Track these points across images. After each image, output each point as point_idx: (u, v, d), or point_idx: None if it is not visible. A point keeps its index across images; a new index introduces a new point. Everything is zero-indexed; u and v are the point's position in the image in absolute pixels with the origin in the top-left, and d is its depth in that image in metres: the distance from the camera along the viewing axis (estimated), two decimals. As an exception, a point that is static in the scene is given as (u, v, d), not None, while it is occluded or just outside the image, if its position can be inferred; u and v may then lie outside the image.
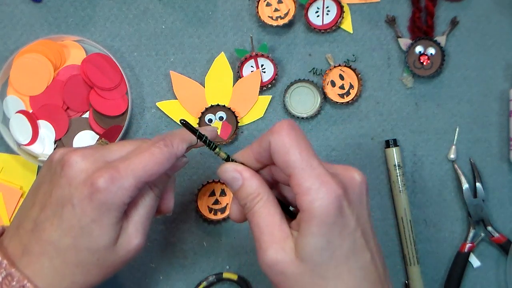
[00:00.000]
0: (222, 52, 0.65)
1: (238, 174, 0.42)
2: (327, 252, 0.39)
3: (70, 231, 0.42)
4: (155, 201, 0.47)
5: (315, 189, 0.38)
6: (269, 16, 0.64)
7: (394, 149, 0.64)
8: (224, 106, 0.64)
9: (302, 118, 0.64)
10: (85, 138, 0.63)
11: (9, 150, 0.63)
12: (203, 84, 0.65)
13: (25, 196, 0.46)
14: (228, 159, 0.45)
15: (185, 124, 0.44)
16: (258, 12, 0.64)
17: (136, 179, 0.43)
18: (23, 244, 0.43)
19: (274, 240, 0.40)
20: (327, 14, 0.65)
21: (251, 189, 0.42)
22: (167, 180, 0.49)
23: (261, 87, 0.64)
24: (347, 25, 0.65)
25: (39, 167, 0.64)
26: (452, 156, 0.65)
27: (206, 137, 0.45)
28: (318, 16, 0.65)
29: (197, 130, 0.45)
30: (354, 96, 0.64)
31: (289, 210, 0.46)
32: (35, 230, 0.43)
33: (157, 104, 0.65)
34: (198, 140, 0.45)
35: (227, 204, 0.63)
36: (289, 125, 0.41)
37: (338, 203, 0.38)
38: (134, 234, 0.45)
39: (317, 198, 0.38)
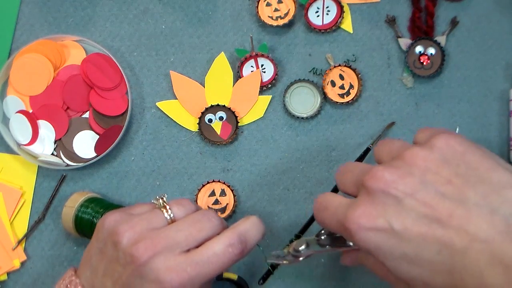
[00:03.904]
0: (222, 52, 0.65)
1: None
2: None
3: None
4: (210, 284, 0.49)
5: None
6: (269, 16, 0.64)
7: (394, 149, 0.63)
8: (224, 106, 0.64)
9: (302, 118, 0.64)
10: (85, 138, 0.63)
11: (9, 150, 0.63)
12: (203, 84, 0.65)
13: (90, 250, 0.49)
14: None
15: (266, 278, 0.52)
16: (258, 12, 0.64)
17: (201, 284, 0.45)
18: None
19: None
20: (327, 14, 0.65)
21: None
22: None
23: (261, 87, 0.64)
24: (347, 25, 0.65)
25: (39, 167, 0.64)
26: (452, 156, 0.65)
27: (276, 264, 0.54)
28: (318, 16, 0.65)
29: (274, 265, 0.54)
30: (354, 96, 0.64)
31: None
32: None
33: (157, 104, 0.65)
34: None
35: (227, 204, 0.63)
36: None
37: None
38: None
39: None
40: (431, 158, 0.40)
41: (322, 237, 0.48)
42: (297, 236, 0.58)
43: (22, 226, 0.64)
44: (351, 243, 0.46)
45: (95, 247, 0.48)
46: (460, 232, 0.37)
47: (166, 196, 0.49)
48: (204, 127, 0.64)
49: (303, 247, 0.48)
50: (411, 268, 0.39)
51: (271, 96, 0.65)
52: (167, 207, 0.48)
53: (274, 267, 0.55)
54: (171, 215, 0.47)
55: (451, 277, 0.37)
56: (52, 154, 0.63)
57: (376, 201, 0.40)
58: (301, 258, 0.49)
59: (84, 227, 0.59)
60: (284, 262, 0.50)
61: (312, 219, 0.60)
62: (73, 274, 0.49)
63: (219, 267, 0.45)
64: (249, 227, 0.47)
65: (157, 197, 0.49)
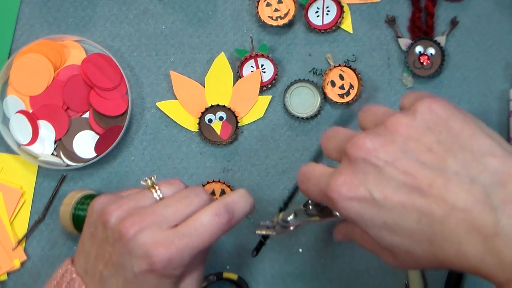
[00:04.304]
0: (222, 52, 0.65)
1: None
2: None
3: None
4: (204, 259, 0.49)
5: None
6: (269, 16, 0.64)
7: (394, 149, 0.63)
8: (224, 106, 0.64)
9: (302, 118, 0.64)
10: (85, 138, 0.63)
11: (9, 150, 0.63)
12: (203, 84, 0.65)
13: (83, 236, 0.48)
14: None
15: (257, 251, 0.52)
16: (258, 12, 0.64)
17: (192, 256, 0.44)
18: None
19: None
20: (327, 14, 0.65)
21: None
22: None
23: (261, 87, 0.64)
24: (347, 25, 0.65)
25: (39, 167, 0.64)
26: (452, 156, 0.65)
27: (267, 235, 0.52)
28: (318, 16, 0.65)
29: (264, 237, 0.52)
30: (354, 96, 0.64)
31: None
32: (102, 283, 0.46)
33: (157, 104, 0.65)
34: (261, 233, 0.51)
35: (227, 204, 0.63)
36: None
37: None
38: None
39: None
40: (414, 125, 0.39)
41: (310, 207, 0.48)
42: (280, 210, 0.57)
43: (22, 226, 0.64)
44: (337, 213, 0.45)
45: (87, 232, 0.48)
46: (439, 201, 0.37)
47: (155, 176, 0.49)
48: (204, 127, 0.64)
49: (291, 217, 0.48)
50: (393, 237, 0.39)
51: (271, 96, 0.65)
52: (156, 187, 0.48)
53: (266, 237, 0.54)
54: (160, 195, 0.47)
55: (431, 246, 0.37)
56: (52, 154, 0.63)
57: (357, 169, 0.39)
58: (291, 228, 0.49)
59: (82, 224, 0.59)
60: (273, 232, 0.50)
61: (294, 192, 0.59)
62: (69, 263, 0.48)
63: (207, 237, 0.44)
64: (236, 198, 0.46)
65: (146, 178, 0.48)
